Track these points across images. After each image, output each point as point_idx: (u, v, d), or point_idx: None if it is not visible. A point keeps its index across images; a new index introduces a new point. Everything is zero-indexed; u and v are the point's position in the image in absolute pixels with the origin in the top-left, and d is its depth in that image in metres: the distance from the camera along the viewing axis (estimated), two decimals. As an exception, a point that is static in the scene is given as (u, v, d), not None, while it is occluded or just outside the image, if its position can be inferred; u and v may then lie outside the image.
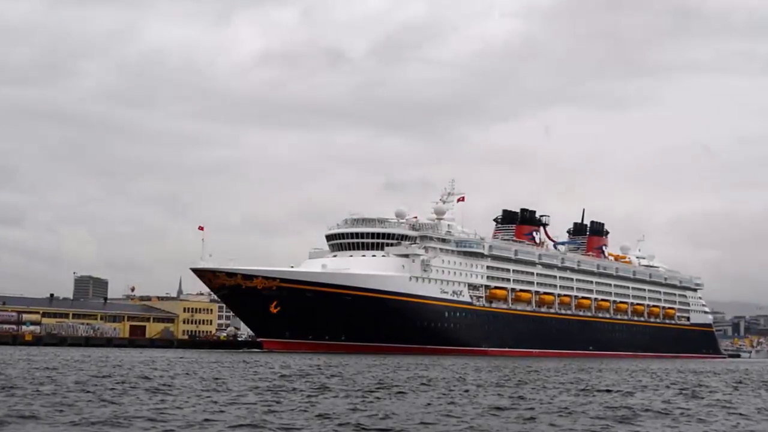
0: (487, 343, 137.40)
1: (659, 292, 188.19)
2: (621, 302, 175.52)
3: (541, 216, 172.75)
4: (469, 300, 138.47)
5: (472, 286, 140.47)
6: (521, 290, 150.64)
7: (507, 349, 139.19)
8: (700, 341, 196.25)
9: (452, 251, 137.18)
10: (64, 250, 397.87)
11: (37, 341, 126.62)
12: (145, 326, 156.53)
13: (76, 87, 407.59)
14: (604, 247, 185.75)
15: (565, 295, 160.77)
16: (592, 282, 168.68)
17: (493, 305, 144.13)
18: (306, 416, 30.20)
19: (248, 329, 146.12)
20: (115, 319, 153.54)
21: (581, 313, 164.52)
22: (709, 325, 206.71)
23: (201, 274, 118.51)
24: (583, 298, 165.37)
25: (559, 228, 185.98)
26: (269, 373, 56.62)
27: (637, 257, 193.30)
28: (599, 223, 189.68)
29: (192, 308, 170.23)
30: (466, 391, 43.60)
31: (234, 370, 59.88)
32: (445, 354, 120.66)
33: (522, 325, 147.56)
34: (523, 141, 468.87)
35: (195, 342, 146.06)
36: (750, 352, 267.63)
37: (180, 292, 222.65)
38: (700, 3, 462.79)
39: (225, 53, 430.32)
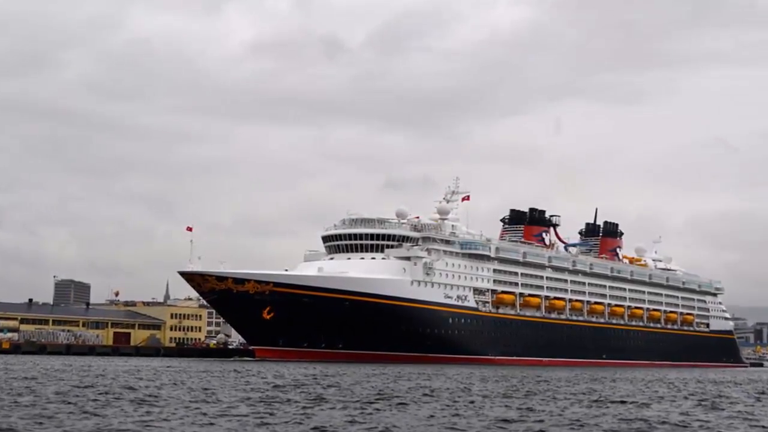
0: (494, 351, 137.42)
1: (677, 297, 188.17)
2: (636, 308, 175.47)
3: (551, 216, 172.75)
4: (474, 305, 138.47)
5: (478, 291, 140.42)
6: (530, 295, 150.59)
7: (515, 358, 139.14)
8: (720, 349, 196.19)
9: (456, 253, 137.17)
10: (43, 252, 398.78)
11: (15, 349, 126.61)
12: (129, 333, 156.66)
13: (56, 79, 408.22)
14: (618, 249, 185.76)
15: (576, 300, 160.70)
16: (605, 286, 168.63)
17: (500, 311, 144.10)
18: (301, 429, 30.25)
19: (239, 336, 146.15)
20: (98, 326, 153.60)
21: (594, 320, 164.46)
22: (729, 332, 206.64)
23: (189, 277, 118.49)
24: (596, 303, 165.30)
25: (570, 229, 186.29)
26: (262, 383, 56.66)
27: (653, 260, 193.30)
28: (613, 223, 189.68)
29: (180, 314, 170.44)
30: (472, 402, 43.63)
31: (224, 379, 59.92)
32: (449, 363, 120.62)
33: (531, 332, 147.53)
34: (531, 136, 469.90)
35: (183, 350, 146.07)
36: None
37: (167, 296, 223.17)
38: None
39: (215, 43, 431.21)
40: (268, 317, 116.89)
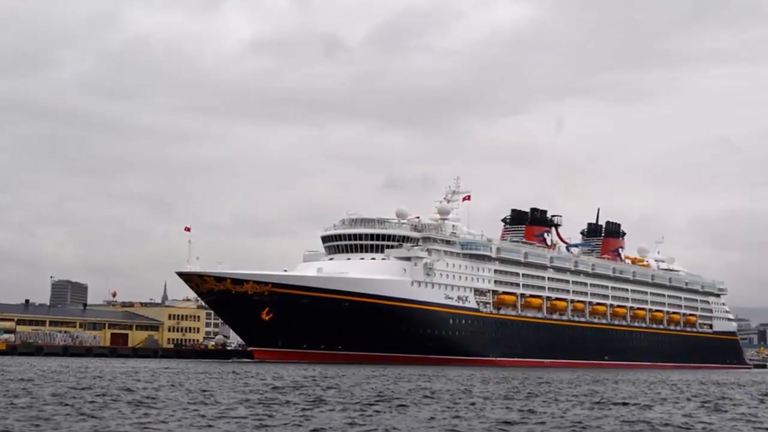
0: (495, 353, 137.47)
1: (679, 298, 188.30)
2: (638, 309, 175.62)
3: (553, 216, 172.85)
4: (475, 306, 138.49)
5: (479, 291, 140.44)
6: (531, 296, 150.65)
7: (516, 359, 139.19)
8: (723, 350, 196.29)
9: (457, 254, 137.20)
10: (41, 252, 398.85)
11: (12, 350, 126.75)
12: (127, 334, 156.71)
13: (53, 78, 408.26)
14: (620, 250, 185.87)
15: (578, 301, 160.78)
16: (607, 287, 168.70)
17: (502, 312, 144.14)
18: (300, 431, 30.27)
19: (238, 338, 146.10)
20: (96, 327, 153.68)
21: (596, 321, 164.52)
22: (733, 333, 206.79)
23: (188, 278, 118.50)
24: (598, 304, 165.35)
25: (571, 229, 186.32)
26: (261, 384, 56.69)
27: (656, 260, 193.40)
28: (615, 223, 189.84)
29: (178, 315, 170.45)
30: (473, 404, 43.64)
31: (223, 381, 59.95)
32: (449, 364, 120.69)
33: (532, 333, 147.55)
34: (532, 136, 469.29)
35: (181, 351, 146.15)
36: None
37: (165, 297, 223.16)
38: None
39: (214, 41, 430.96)
40: (266, 318, 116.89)
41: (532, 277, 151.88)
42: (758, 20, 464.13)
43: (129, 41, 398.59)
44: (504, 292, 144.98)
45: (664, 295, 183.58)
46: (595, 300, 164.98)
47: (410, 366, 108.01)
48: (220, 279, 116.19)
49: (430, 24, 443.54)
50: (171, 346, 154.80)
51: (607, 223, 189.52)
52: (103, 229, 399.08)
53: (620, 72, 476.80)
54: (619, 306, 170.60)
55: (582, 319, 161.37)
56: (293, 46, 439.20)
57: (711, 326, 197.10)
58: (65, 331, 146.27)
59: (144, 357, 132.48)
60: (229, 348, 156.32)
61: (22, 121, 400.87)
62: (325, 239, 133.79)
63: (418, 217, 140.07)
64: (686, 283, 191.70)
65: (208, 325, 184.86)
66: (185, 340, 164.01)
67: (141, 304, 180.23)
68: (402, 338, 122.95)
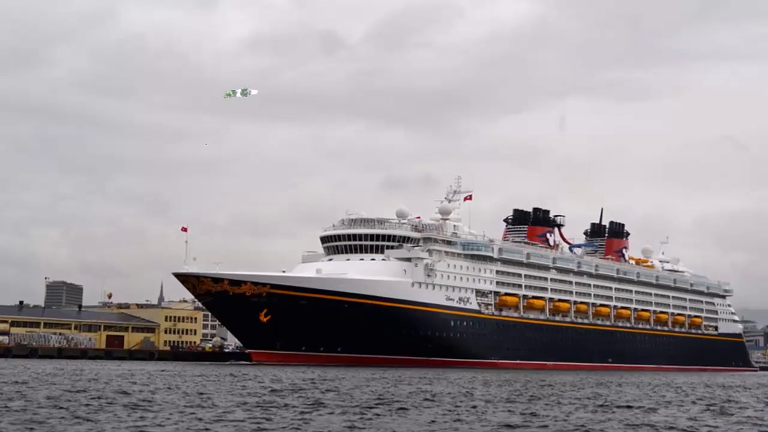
0: (497, 355, 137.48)
1: (684, 299, 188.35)
2: (643, 310, 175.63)
3: (556, 216, 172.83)
4: (477, 308, 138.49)
5: (481, 293, 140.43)
6: (534, 297, 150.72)
7: (518, 361, 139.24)
8: (729, 353, 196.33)
9: (458, 254, 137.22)
10: (35, 253, 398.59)
11: (6, 353, 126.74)
12: (123, 336, 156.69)
13: (47, 76, 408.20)
14: (624, 250, 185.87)
15: (581, 303, 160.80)
16: (611, 288, 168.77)
17: (504, 313, 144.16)
18: (299, 435, 30.28)
19: (236, 340, 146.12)
20: (91, 329, 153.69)
21: (599, 322, 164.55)
22: (739, 335, 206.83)
23: (184, 279, 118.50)
24: (602, 305, 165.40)
25: (575, 229, 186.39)
26: (258, 387, 56.73)
27: (661, 261, 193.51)
28: (619, 223, 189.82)
29: (174, 317, 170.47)
30: (474, 407, 43.66)
31: (220, 384, 59.98)
32: (450, 366, 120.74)
33: (535, 335, 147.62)
34: (535, 134, 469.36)
35: (178, 354, 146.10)
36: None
37: (161, 299, 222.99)
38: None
39: (211, 39, 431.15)
40: (264, 320, 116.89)
41: (535, 278, 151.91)
42: (762, 18, 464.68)
43: (125, 39, 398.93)
44: (506, 294, 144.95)
45: (668, 297, 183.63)
46: (598, 301, 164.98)
47: (411, 368, 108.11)
48: (217, 280, 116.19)
49: (432, 21, 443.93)
50: (167, 348, 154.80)
51: (611, 223, 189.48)
52: (99, 230, 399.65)
53: (624, 70, 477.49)
54: (622, 307, 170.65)
55: (585, 321, 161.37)
56: (292, 43, 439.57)
57: (716, 328, 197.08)
58: (60, 333, 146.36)
59: (140, 359, 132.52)
60: (226, 350, 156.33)
61: (16, 120, 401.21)
62: (324, 240, 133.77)
63: (418, 217, 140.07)
64: (691, 285, 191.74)
65: (205, 327, 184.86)
66: (182, 342, 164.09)
67: (137, 305, 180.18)
68: (402, 340, 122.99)
